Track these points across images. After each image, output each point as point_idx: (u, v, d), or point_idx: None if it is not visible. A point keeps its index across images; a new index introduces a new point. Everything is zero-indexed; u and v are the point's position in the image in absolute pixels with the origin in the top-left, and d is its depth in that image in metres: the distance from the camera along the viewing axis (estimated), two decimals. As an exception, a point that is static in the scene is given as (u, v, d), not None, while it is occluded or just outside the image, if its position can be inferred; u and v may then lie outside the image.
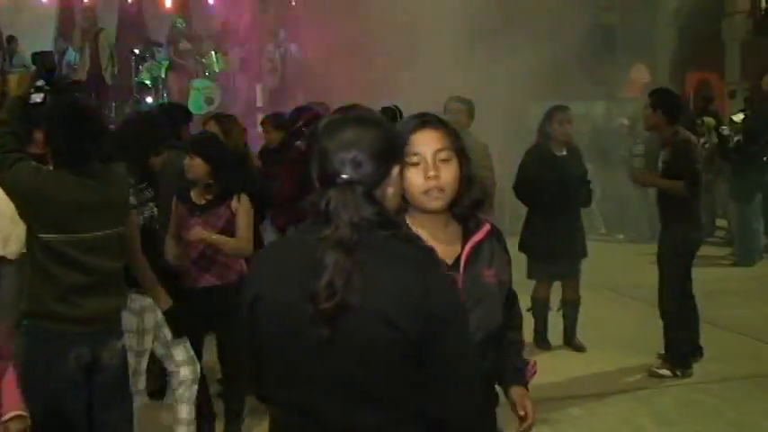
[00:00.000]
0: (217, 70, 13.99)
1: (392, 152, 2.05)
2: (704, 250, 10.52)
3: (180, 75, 13.86)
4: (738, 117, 12.68)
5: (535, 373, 2.77)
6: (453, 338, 1.98)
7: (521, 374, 2.71)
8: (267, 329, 2.01)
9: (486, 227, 2.57)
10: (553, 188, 6.52)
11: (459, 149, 2.48)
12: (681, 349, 6.29)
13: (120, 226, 3.83)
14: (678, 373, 6.24)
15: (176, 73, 13.87)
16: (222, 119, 6.09)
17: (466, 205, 2.51)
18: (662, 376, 6.22)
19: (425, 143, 2.42)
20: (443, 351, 1.95)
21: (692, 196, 6.14)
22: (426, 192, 2.41)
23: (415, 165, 2.40)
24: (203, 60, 14.01)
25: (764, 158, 11.34)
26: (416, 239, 2.11)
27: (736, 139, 11.94)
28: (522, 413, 2.61)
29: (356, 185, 1.94)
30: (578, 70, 13.53)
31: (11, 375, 3.03)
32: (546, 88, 11.38)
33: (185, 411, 4.56)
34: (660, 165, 6.31)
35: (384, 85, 11.18)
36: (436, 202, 2.43)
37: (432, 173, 2.39)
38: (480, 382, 2.18)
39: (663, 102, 6.23)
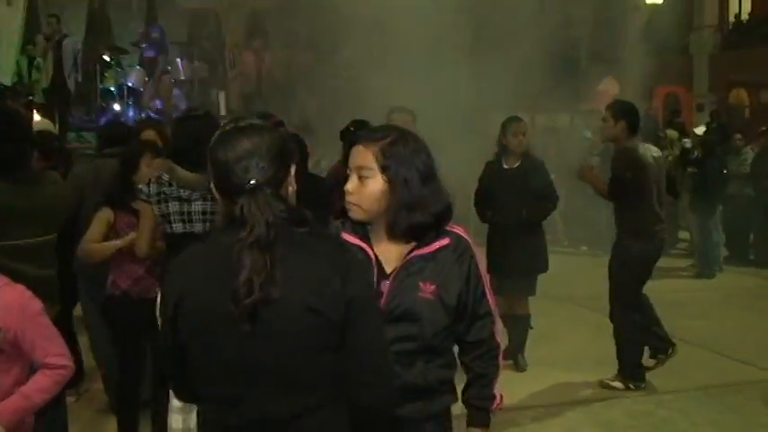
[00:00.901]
0: (182, 78, 13.95)
1: (286, 154, 2.18)
2: (666, 262, 10.65)
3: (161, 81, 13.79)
4: (700, 130, 12.81)
5: (500, 408, 2.74)
6: (369, 325, 2.12)
7: (483, 416, 2.71)
8: (192, 329, 2.09)
9: (441, 242, 2.57)
10: (499, 202, 6.50)
11: (387, 168, 2.50)
12: (632, 362, 6.27)
13: (53, 233, 3.77)
14: (631, 386, 6.23)
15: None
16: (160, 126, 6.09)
17: (403, 227, 2.53)
18: (614, 388, 6.21)
19: (353, 158, 2.56)
20: (360, 336, 2.09)
21: (633, 206, 6.10)
22: (347, 204, 2.56)
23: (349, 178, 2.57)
24: (169, 68, 13.96)
25: (724, 171, 11.45)
26: (329, 235, 2.24)
27: (696, 152, 12.07)
28: None
29: (264, 187, 2.07)
30: (548, 83, 13.60)
31: None
32: (514, 100, 11.42)
33: None
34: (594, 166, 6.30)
35: (350, 95, 11.17)
36: (354, 214, 2.56)
37: (348, 187, 2.54)
38: (399, 389, 2.30)
39: (626, 113, 6.19)
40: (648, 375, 6.39)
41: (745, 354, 7.24)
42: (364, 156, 2.52)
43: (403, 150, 2.53)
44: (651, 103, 25.41)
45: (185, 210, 4.06)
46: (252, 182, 2.06)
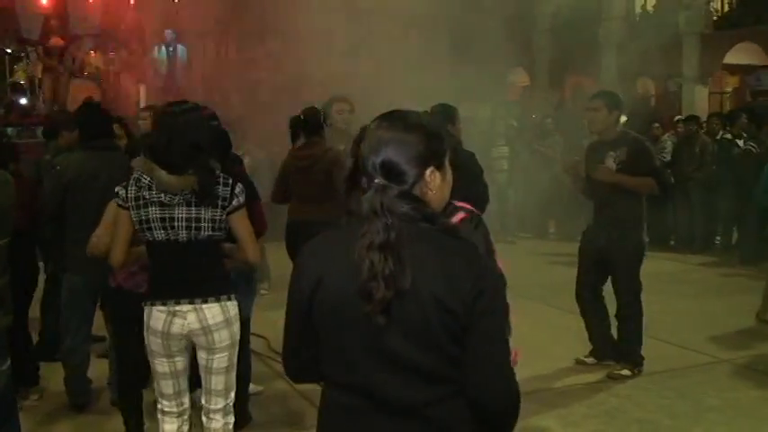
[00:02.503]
0: (96, 70, 13.51)
1: (425, 155, 2.16)
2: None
3: (53, 75, 13.32)
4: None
5: (515, 362, 2.81)
6: (494, 320, 2.14)
7: None
8: (327, 315, 2.15)
9: (460, 215, 2.76)
10: None
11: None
12: (639, 349, 6.46)
13: (5, 237, 3.55)
14: (636, 371, 6.38)
15: (49, 73, 13.32)
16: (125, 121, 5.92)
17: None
18: (624, 377, 6.33)
19: None
20: (485, 332, 2.11)
21: (664, 193, 6.20)
22: None
23: None
24: (83, 60, 13.50)
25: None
26: (460, 233, 2.22)
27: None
28: None
29: (389, 187, 2.09)
30: (459, 73, 13.65)
31: None
32: (426, 92, 11.41)
33: None
34: (613, 166, 6.22)
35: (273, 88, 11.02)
36: None
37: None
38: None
39: (618, 103, 6.26)
40: (593, 363, 6.57)
41: (683, 338, 7.41)
42: None
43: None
44: (562, 92, 25.98)
45: (167, 215, 3.77)
46: (376, 180, 2.10)
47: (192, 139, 3.74)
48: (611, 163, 6.21)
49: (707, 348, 7.17)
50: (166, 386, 3.97)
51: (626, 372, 6.36)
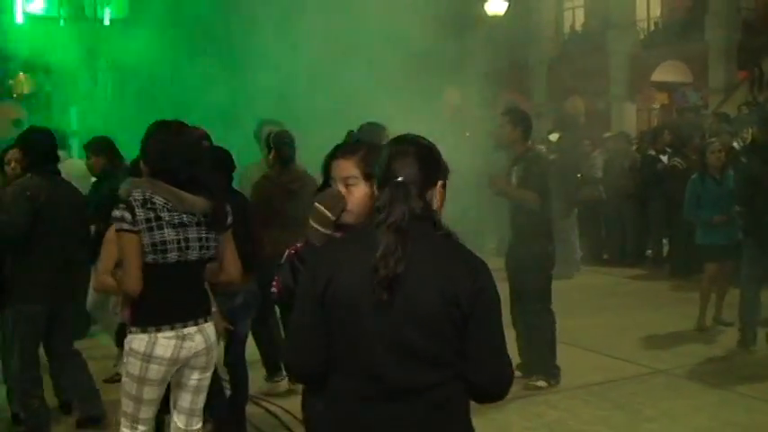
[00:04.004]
0: (26, 92, 13.25)
1: (436, 168, 2.55)
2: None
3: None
4: (554, 136, 13.26)
5: None
6: (493, 313, 2.46)
7: None
8: (342, 305, 2.41)
9: None
10: None
11: (370, 174, 2.75)
12: (553, 361, 6.53)
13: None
14: (552, 382, 6.44)
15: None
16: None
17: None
18: (539, 387, 6.35)
19: (337, 171, 2.86)
20: (484, 324, 2.42)
21: (542, 210, 6.29)
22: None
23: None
24: (10, 82, 13.23)
25: (578, 175, 11.90)
26: (457, 238, 2.53)
27: (551, 157, 12.48)
28: None
29: (408, 185, 2.45)
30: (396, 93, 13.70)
31: None
32: (364, 111, 11.43)
33: None
34: (514, 180, 6.38)
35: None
36: (346, 219, 2.83)
37: None
38: None
39: (522, 119, 6.43)
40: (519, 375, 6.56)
41: (620, 351, 7.53)
42: (347, 167, 2.84)
43: (377, 158, 2.78)
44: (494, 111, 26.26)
45: (182, 236, 3.67)
46: (399, 178, 2.44)
47: (204, 159, 3.81)
48: (513, 178, 6.40)
49: (643, 359, 7.30)
50: (147, 411, 3.82)
51: (541, 383, 6.40)
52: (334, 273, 2.44)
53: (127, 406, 3.81)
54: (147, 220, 3.61)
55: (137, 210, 3.61)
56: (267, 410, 6.00)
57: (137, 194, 3.65)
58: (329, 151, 2.94)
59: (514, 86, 26.19)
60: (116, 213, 3.64)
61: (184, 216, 3.69)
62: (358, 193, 2.82)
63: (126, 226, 3.61)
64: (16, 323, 5.25)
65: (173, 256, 3.67)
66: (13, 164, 6.00)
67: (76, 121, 13.44)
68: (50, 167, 5.35)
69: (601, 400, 6.23)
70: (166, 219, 3.64)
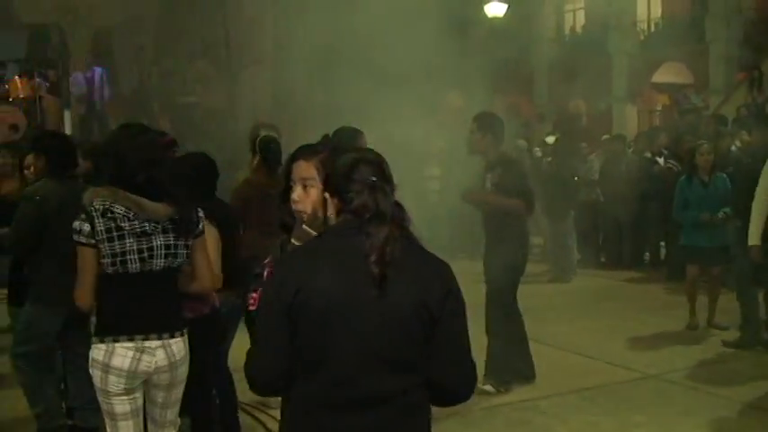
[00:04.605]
0: (21, 96, 13.23)
1: (391, 179, 2.57)
2: (521, 268, 10.91)
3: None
4: (550, 139, 13.22)
5: None
6: (459, 316, 2.50)
7: None
8: (311, 315, 2.38)
9: None
10: None
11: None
12: (505, 365, 6.40)
13: None
14: (502, 389, 6.32)
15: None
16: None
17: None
18: (488, 393, 6.23)
19: (297, 171, 2.91)
20: (451, 326, 2.47)
21: (529, 213, 6.24)
22: (296, 211, 2.91)
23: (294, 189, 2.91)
24: (6, 86, 13.22)
25: (575, 178, 11.85)
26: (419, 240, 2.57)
27: (547, 160, 12.46)
28: None
29: (384, 184, 2.49)
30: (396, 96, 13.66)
31: None
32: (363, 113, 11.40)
33: None
34: (489, 186, 6.31)
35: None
36: (305, 219, 2.87)
37: (294, 196, 2.89)
38: None
39: (491, 125, 6.29)
40: (521, 381, 6.52)
41: (612, 355, 7.47)
42: (307, 168, 2.87)
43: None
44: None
45: (145, 246, 3.58)
46: (373, 178, 2.46)
47: (166, 163, 3.70)
48: (488, 184, 6.31)
49: (635, 364, 7.24)
50: (127, 427, 3.69)
51: (488, 388, 6.27)
52: (306, 281, 2.40)
53: (106, 422, 3.73)
54: (108, 230, 3.53)
55: (96, 220, 3.52)
56: (257, 419, 5.96)
57: (97, 204, 3.56)
58: (291, 153, 2.97)
59: (515, 88, 26.17)
60: (75, 225, 3.56)
61: (147, 224, 3.59)
62: (315, 195, 2.84)
63: (83, 239, 3.54)
64: (32, 323, 5.26)
65: (134, 266, 3.58)
66: (31, 168, 6.00)
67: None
68: (67, 172, 5.33)
69: (591, 405, 6.19)
70: (127, 228, 3.54)
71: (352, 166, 2.50)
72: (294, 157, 2.95)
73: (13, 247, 5.39)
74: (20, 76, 13.21)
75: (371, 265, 2.36)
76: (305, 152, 2.94)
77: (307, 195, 2.87)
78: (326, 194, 2.58)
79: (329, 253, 2.46)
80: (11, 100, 13.12)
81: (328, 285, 2.38)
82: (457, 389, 2.56)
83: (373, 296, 2.36)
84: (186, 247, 3.75)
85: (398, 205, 2.50)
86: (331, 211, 2.56)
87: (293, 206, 2.89)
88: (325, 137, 5.23)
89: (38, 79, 13.42)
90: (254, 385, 2.55)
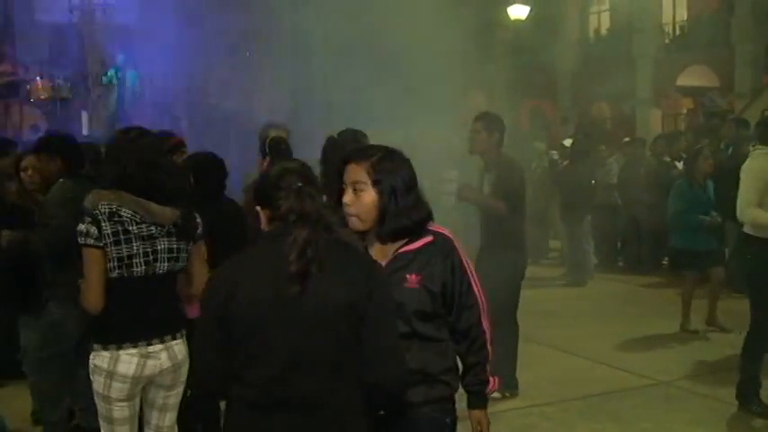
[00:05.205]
0: (42, 97, 13.35)
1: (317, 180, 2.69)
2: (538, 271, 10.83)
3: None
4: (568, 142, 13.12)
5: (494, 389, 3.13)
6: (385, 314, 2.56)
7: (478, 398, 3.09)
8: (243, 316, 2.46)
9: (425, 240, 2.92)
10: None
11: (378, 181, 2.84)
12: (512, 371, 6.33)
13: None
14: (507, 394, 6.26)
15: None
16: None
17: (389, 231, 2.87)
18: (493, 398, 6.16)
19: (348, 175, 2.89)
20: (377, 324, 2.51)
21: (512, 217, 6.10)
22: (346, 215, 2.88)
23: (345, 192, 2.90)
24: (27, 87, 13.34)
25: (592, 181, 11.74)
26: (350, 239, 2.68)
27: (564, 163, 12.37)
28: None
29: (308, 187, 2.58)
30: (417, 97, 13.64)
31: None
32: (386, 114, 11.41)
33: None
34: (487, 187, 6.21)
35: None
36: (354, 224, 2.87)
37: (346, 200, 2.87)
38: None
39: (497, 126, 6.17)
40: (528, 386, 6.42)
41: (622, 361, 7.39)
42: (358, 172, 2.85)
43: (390, 165, 2.87)
44: (519, 116, 26.15)
45: (150, 249, 3.58)
46: (299, 183, 2.56)
47: (169, 165, 3.72)
48: (486, 185, 6.25)
49: (646, 370, 7.14)
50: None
51: (495, 394, 6.20)
52: (235, 288, 2.47)
53: (102, 426, 3.72)
54: (115, 234, 3.52)
55: (103, 224, 3.51)
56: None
57: (103, 207, 3.55)
58: (345, 154, 2.98)
59: (539, 91, 26.04)
60: (81, 228, 3.54)
61: (153, 228, 3.60)
62: (366, 199, 2.85)
63: (91, 241, 3.51)
64: (60, 324, 5.16)
65: (139, 270, 3.57)
66: (30, 171, 5.84)
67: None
68: (84, 172, 5.31)
69: (597, 412, 6.10)
70: (135, 232, 3.55)
71: (280, 176, 2.61)
72: (346, 160, 2.94)
73: (52, 251, 5.27)
74: (41, 78, 13.32)
75: (291, 263, 2.42)
76: (356, 155, 2.92)
77: (357, 199, 2.86)
78: (258, 207, 2.67)
79: (258, 258, 2.57)
80: (32, 101, 13.23)
81: (254, 288, 2.47)
82: (387, 387, 2.60)
83: (295, 293, 2.42)
84: (187, 250, 3.77)
85: (329, 207, 2.61)
86: (264, 223, 2.66)
87: (344, 209, 2.88)
88: (330, 139, 5.22)
89: (58, 81, 13.53)
90: (196, 389, 2.67)
